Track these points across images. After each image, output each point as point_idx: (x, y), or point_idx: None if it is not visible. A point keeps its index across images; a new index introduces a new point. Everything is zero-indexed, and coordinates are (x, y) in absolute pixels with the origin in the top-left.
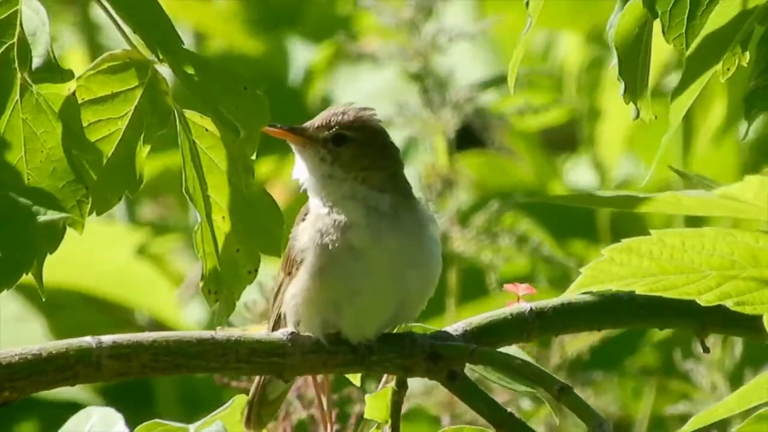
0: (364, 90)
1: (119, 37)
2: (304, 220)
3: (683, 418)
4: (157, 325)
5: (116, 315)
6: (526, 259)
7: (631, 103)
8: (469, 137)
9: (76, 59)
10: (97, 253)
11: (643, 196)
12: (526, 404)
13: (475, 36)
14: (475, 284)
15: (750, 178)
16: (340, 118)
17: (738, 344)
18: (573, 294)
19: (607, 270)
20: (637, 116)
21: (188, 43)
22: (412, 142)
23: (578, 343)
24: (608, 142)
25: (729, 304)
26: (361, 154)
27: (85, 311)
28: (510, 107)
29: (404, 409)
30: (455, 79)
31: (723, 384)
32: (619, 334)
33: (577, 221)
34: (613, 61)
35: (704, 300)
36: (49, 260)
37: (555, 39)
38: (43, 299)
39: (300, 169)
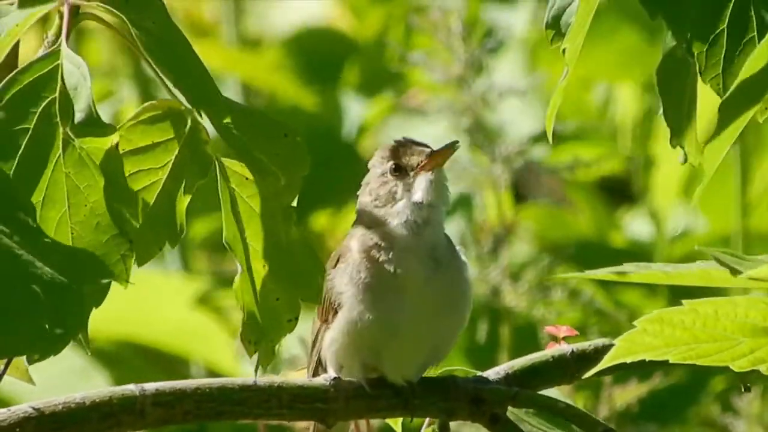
0: None
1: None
2: (339, 263)
3: None
4: (217, 377)
5: (174, 368)
6: (578, 312)
7: (679, 147)
8: (527, 191)
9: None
10: (155, 305)
11: (672, 269)
12: None
13: (524, 91)
14: (527, 339)
15: None
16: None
17: None
18: (609, 364)
19: (640, 341)
20: (685, 160)
21: (236, 96)
22: (463, 197)
23: (627, 395)
24: (662, 191)
25: (762, 369)
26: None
27: (145, 365)
28: (564, 160)
29: None
30: (506, 134)
31: None
32: (668, 386)
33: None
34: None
35: (737, 366)
36: (109, 313)
37: (614, 92)
38: (88, 353)
39: (424, 198)
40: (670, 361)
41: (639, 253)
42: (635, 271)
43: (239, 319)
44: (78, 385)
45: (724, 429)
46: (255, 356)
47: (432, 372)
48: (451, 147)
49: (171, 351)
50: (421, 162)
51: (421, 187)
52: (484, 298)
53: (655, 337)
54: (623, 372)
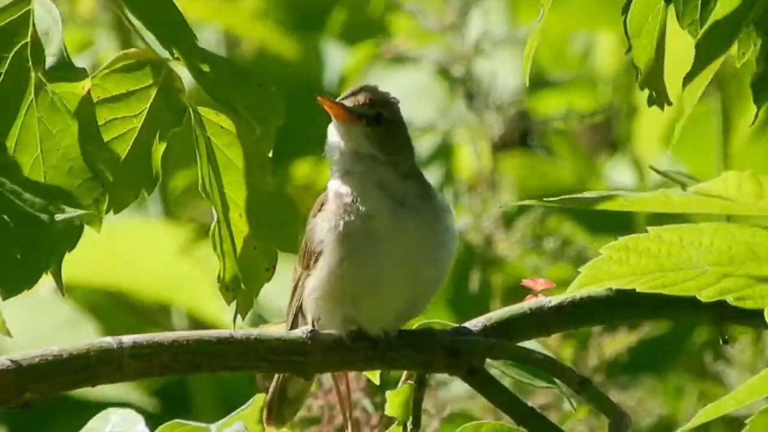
0: (398, 92)
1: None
2: (321, 210)
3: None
4: (200, 325)
5: (157, 318)
6: (569, 263)
7: (648, 90)
8: (509, 140)
9: None
10: (138, 254)
11: (633, 196)
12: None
13: (515, 40)
14: (519, 288)
15: (727, 174)
16: (375, 97)
17: None
18: (575, 292)
19: (606, 268)
20: (652, 103)
21: (218, 46)
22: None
23: (616, 344)
24: (644, 139)
25: (729, 299)
26: (395, 135)
27: (128, 315)
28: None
29: (447, 411)
30: (495, 83)
31: None
32: (657, 336)
33: (615, 221)
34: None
35: (704, 296)
36: (91, 262)
37: (594, 41)
38: (62, 294)
39: (336, 147)
40: (637, 290)
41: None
42: (596, 197)
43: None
44: (68, 335)
45: (716, 377)
46: (233, 304)
47: (411, 324)
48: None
49: (154, 300)
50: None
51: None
52: (476, 248)
53: (620, 264)
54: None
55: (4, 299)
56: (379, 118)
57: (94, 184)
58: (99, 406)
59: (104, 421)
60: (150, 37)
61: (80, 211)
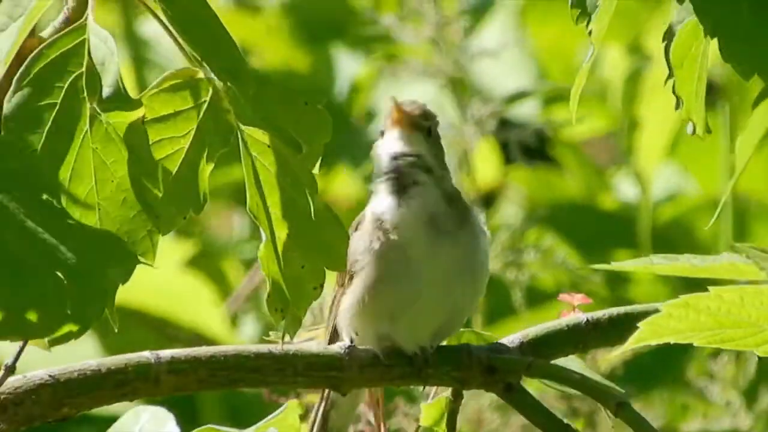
0: None
1: (167, 52)
2: (357, 229)
3: None
4: (204, 340)
5: (166, 331)
6: (552, 274)
7: (687, 119)
8: (522, 152)
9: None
10: (143, 268)
11: (701, 262)
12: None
13: (507, 47)
14: (501, 301)
15: None
16: (426, 110)
17: (752, 361)
18: (633, 347)
19: (665, 325)
20: (694, 132)
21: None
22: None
23: (612, 357)
24: (647, 153)
25: None
26: (442, 151)
27: (136, 329)
28: (553, 120)
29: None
30: (496, 92)
31: (737, 400)
32: (654, 348)
33: (619, 233)
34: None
35: (761, 352)
36: None
37: (601, 53)
38: (116, 330)
39: (393, 156)
40: (695, 345)
41: (624, 216)
42: (663, 263)
43: (229, 283)
44: (68, 351)
45: (700, 392)
46: (281, 323)
47: (446, 340)
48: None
49: (160, 315)
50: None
51: (386, 139)
52: None
53: (679, 321)
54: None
55: (51, 347)
56: (430, 131)
57: (147, 216)
58: (106, 419)
59: (134, 419)
60: (190, 55)
61: (136, 263)
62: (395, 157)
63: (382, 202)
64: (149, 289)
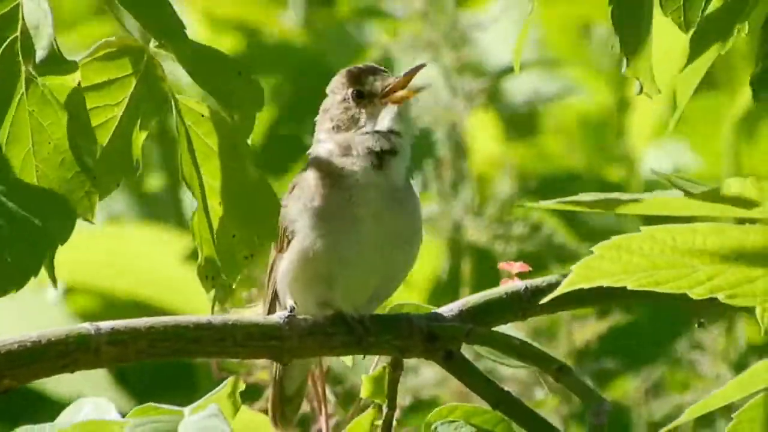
0: None
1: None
2: (293, 190)
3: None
4: None
5: None
6: (539, 247)
7: (635, 78)
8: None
9: None
10: (143, 259)
11: (629, 197)
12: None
13: (507, 17)
14: (488, 275)
15: (730, 180)
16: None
17: (742, 333)
18: (565, 290)
19: (597, 267)
20: (641, 91)
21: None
22: (424, 133)
23: (586, 332)
24: (636, 133)
25: (720, 297)
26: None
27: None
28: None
29: (418, 398)
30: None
31: (728, 374)
32: (628, 323)
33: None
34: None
35: (695, 294)
36: (94, 265)
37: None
38: (56, 289)
39: (392, 131)
40: (628, 288)
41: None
42: (591, 200)
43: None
44: None
45: (690, 365)
46: (212, 293)
47: (386, 305)
48: (417, 70)
49: (158, 306)
50: (386, 87)
51: (387, 116)
52: (446, 234)
53: (612, 263)
54: (581, 308)
55: None
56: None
57: (86, 177)
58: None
59: (77, 410)
60: (133, 24)
61: (74, 218)
62: (389, 133)
63: (330, 162)
64: (151, 282)
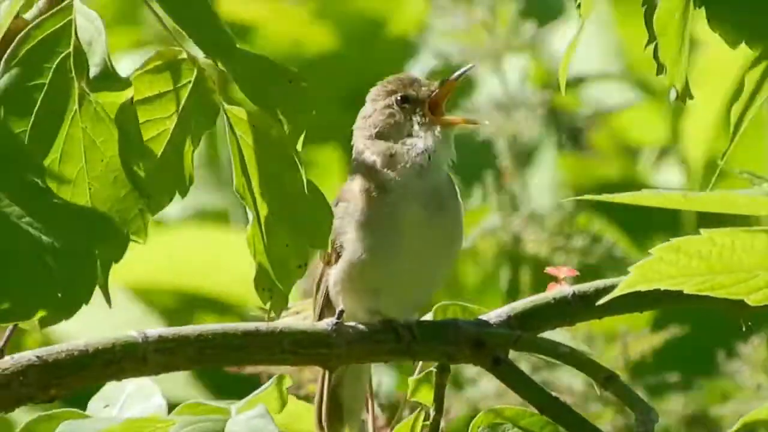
0: None
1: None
2: (339, 202)
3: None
4: None
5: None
6: (598, 259)
7: (671, 85)
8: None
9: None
10: (219, 260)
11: (694, 195)
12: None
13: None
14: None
15: None
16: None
17: None
18: (624, 291)
19: (656, 269)
20: (676, 98)
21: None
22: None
23: (641, 344)
24: (693, 140)
25: None
26: None
27: (210, 314)
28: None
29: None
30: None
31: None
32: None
33: (662, 220)
34: (648, 41)
35: (752, 300)
36: (172, 264)
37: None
38: (110, 307)
39: (433, 155)
40: (685, 292)
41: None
42: (653, 195)
43: None
44: None
45: (730, 376)
46: (269, 302)
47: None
48: (460, 75)
49: (234, 301)
50: (432, 92)
51: (430, 138)
52: (506, 246)
53: (670, 266)
54: (630, 313)
55: (42, 328)
56: None
57: (138, 194)
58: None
59: (120, 390)
60: (182, 36)
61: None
62: (433, 156)
63: (373, 173)
64: (225, 278)
